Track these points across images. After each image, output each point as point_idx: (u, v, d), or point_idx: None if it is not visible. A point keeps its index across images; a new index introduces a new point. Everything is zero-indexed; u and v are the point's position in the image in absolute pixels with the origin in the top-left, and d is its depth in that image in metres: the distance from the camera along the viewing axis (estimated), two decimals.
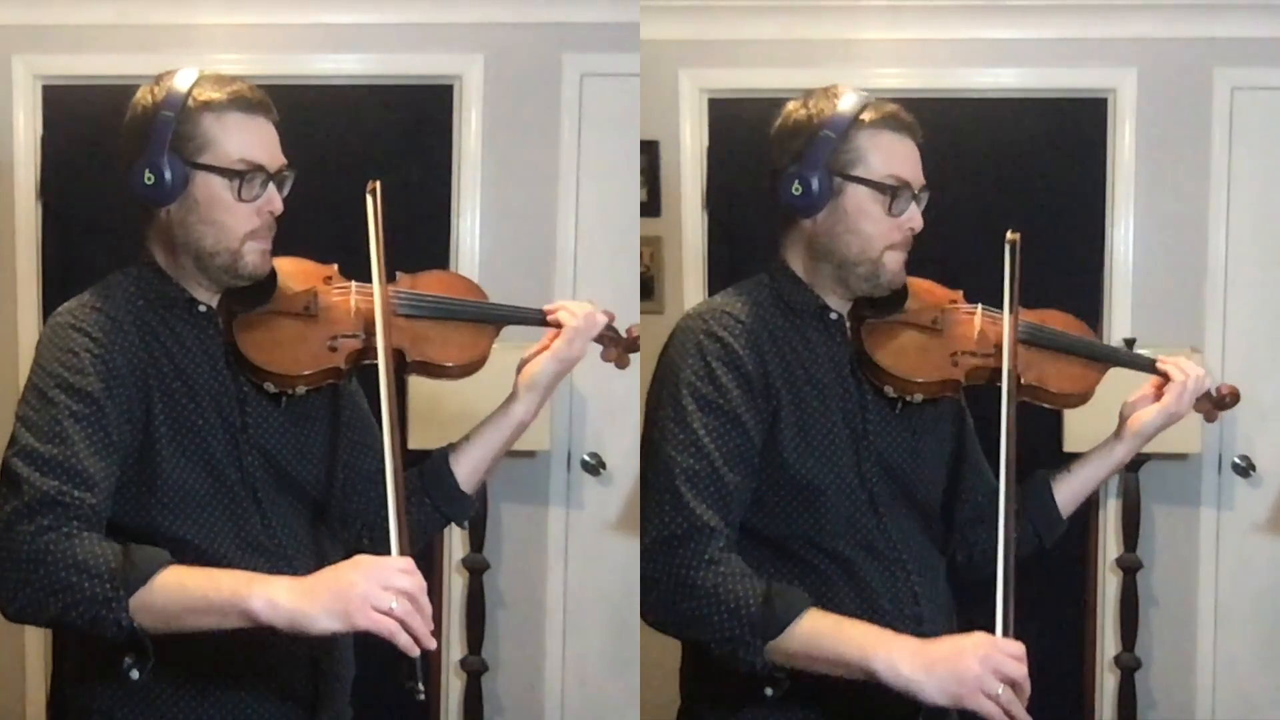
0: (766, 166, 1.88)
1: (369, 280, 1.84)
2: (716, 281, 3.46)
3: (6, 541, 1.56)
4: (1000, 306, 1.90)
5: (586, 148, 3.36)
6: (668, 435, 1.77)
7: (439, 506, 1.92)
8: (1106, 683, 3.44)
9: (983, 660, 1.59)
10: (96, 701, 1.71)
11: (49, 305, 3.36)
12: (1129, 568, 3.36)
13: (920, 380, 1.83)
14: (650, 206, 3.46)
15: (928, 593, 1.86)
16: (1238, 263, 3.38)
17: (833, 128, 1.81)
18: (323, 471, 1.84)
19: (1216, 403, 1.98)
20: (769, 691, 1.69)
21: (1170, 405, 1.92)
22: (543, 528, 3.42)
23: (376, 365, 1.78)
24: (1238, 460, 3.39)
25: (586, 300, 1.95)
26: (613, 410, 3.34)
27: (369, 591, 1.50)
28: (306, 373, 1.77)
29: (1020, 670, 1.60)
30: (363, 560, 1.56)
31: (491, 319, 1.91)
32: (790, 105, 1.88)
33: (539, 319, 1.91)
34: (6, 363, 3.36)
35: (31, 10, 3.31)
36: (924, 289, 1.93)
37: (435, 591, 3.41)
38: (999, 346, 1.87)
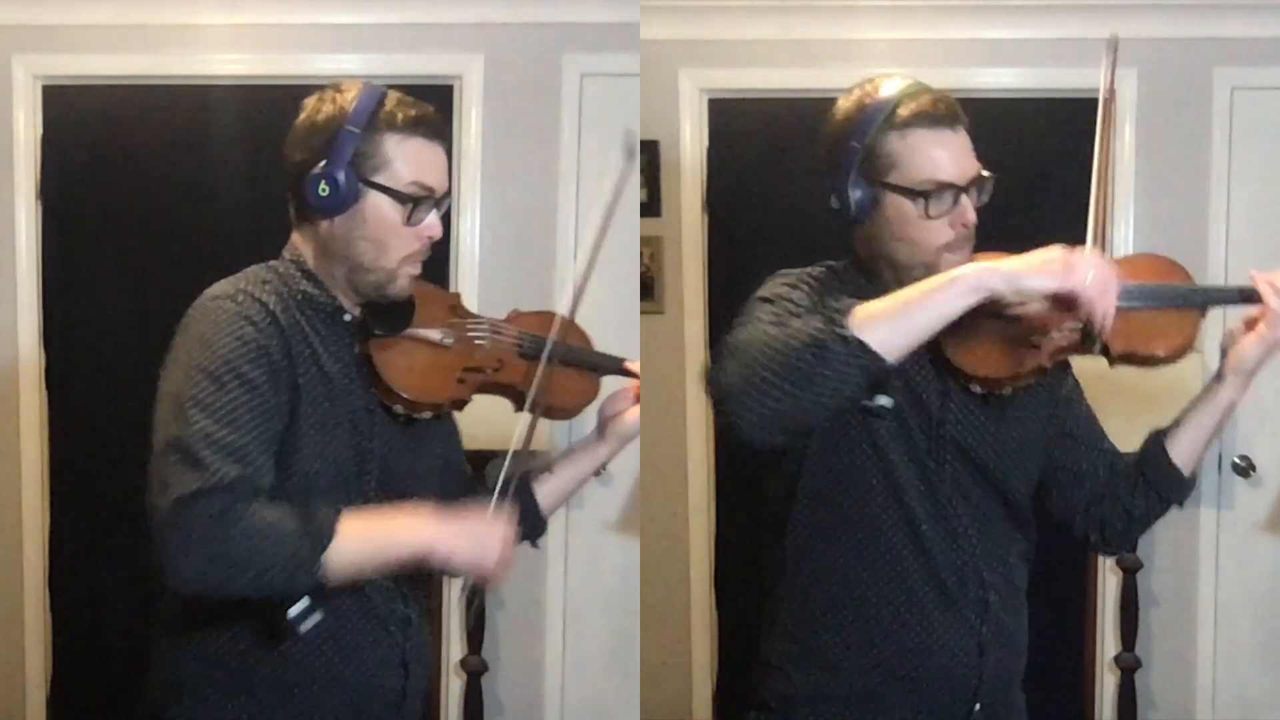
0: (815, 166, 1.85)
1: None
2: (716, 281, 3.46)
3: (187, 517, 1.56)
4: None
5: (586, 148, 3.36)
6: None
7: (520, 529, 1.96)
8: (1106, 683, 3.44)
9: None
10: (189, 684, 1.74)
11: (49, 305, 3.37)
12: (1129, 568, 3.36)
13: (1004, 375, 1.76)
14: (650, 206, 3.46)
15: (995, 579, 1.85)
16: (1238, 263, 3.37)
17: (858, 135, 1.77)
18: (429, 494, 1.86)
19: None
20: None
21: (1267, 333, 1.77)
22: None
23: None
24: (1238, 460, 3.39)
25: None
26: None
27: (499, 548, 1.72)
28: (438, 401, 1.83)
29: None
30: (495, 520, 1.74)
31: (601, 368, 2.01)
32: (838, 103, 1.84)
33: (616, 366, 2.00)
34: (6, 362, 3.36)
35: (31, 10, 3.31)
36: None
37: (435, 592, 3.41)
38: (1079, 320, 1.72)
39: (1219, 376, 1.83)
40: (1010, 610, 1.88)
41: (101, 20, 3.30)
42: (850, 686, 1.85)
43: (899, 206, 1.78)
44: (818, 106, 3.47)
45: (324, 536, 1.61)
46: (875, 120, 1.77)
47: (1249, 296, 1.79)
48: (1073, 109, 3.40)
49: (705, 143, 3.47)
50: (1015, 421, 1.87)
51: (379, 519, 1.69)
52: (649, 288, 3.46)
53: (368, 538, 1.66)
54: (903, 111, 1.77)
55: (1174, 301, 1.81)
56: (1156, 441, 1.89)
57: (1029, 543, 1.94)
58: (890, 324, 1.59)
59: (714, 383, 1.64)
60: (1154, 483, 1.89)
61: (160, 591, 1.83)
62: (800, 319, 1.66)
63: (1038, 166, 3.36)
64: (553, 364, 1.89)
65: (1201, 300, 1.82)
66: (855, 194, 1.78)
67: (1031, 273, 1.61)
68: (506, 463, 1.82)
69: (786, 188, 3.42)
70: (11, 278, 3.35)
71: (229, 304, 1.70)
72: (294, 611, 1.65)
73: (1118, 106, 1.84)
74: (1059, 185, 3.35)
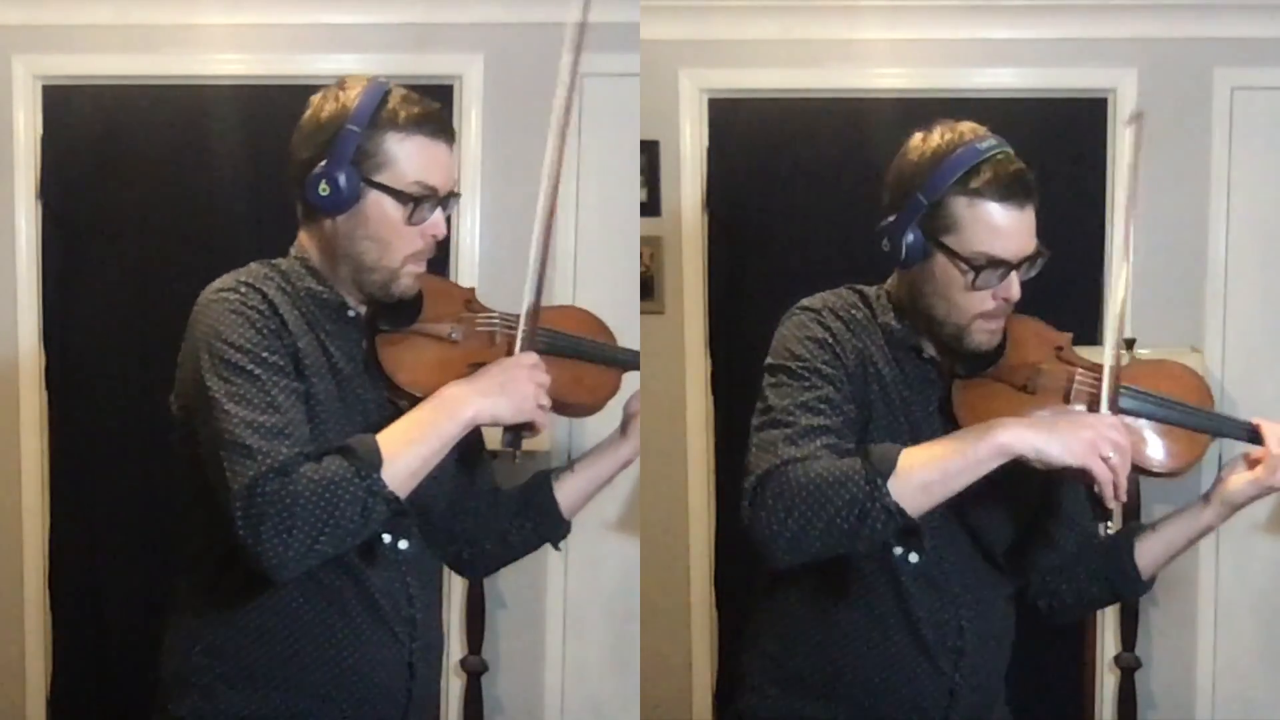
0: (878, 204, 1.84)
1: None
2: (716, 281, 3.46)
3: (253, 507, 1.56)
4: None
5: (586, 148, 3.36)
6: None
7: (539, 530, 1.98)
8: (1106, 683, 3.44)
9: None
10: (196, 677, 1.74)
11: (49, 305, 3.36)
12: None
13: None
14: (650, 206, 3.46)
15: (975, 628, 1.86)
16: (1238, 263, 3.38)
17: (927, 190, 1.75)
18: (440, 489, 1.86)
19: None
20: None
21: (1264, 478, 1.83)
22: None
23: None
24: None
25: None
26: (613, 411, 3.33)
27: (533, 389, 1.78)
28: None
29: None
30: (516, 360, 1.80)
31: (620, 362, 1.98)
32: (913, 140, 1.80)
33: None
34: (6, 362, 3.36)
35: (31, 10, 3.30)
36: (1027, 335, 1.86)
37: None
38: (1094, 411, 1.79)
39: (1205, 499, 1.88)
40: (991, 653, 1.89)
41: (101, 20, 3.30)
42: (820, 712, 1.86)
43: (948, 269, 1.77)
44: (818, 106, 3.49)
45: (373, 462, 1.62)
46: (948, 179, 1.74)
47: (1256, 437, 1.83)
48: (1073, 109, 3.41)
49: (705, 143, 3.47)
50: (1008, 481, 1.85)
51: (412, 418, 1.70)
52: (649, 288, 3.45)
53: (412, 439, 1.67)
54: (977, 180, 1.74)
55: (1184, 423, 1.83)
56: (1127, 539, 1.93)
57: (1016, 586, 1.96)
58: (928, 493, 1.66)
59: (753, 526, 1.71)
60: (1111, 576, 1.94)
61: (167, 587, 1.84)
62: (833, 432, 1.72)
63: (1036, 167, 3.35)
64: (569, 358, 1.90)
65: (1211, 428, 1.85)
66: (908, 239, 1.76)
67: (1054, 447, 1.64)
68: (527, 282, 1.87)
69: (786, 188, 3.42)
70: (11, 278, 3.35)
71: (232, 295, 1.71)
72: (388, 538, 1.76)
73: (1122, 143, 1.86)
74: (1058, 185, 3.36)
